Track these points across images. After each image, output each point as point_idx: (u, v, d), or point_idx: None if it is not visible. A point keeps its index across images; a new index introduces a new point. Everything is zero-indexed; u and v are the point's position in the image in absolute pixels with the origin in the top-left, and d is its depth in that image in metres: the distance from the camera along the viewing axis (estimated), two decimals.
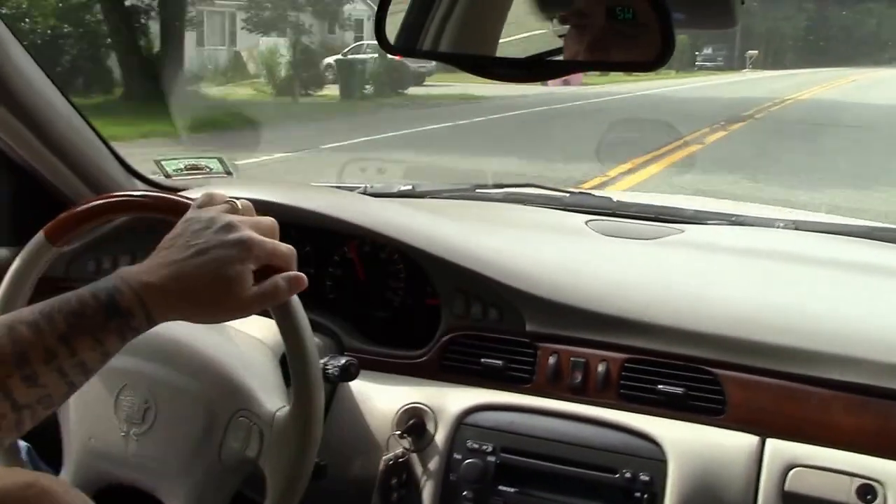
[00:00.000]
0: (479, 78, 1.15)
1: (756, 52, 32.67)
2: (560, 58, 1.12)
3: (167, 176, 2.01)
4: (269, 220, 0.99)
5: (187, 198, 1.06)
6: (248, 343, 1.35)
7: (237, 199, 1.02)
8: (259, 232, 0.96)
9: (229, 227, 0.95)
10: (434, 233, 1.60)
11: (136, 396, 1.26)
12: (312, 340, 1.04)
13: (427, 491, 1.40)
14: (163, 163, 2.04)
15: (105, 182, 1.76)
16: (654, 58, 1.00)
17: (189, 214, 0.98)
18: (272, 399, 1.22)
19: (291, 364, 1.04)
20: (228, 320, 0.97)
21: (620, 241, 1.72)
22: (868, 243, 1.75)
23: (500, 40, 1.17)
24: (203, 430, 1.23)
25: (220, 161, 2.07)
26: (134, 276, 0.91)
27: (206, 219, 0.96)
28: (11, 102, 1.57)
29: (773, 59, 36.75)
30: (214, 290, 0.92)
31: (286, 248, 0.97)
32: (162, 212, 1.09)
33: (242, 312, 0.95)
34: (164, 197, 1.11)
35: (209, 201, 1.00)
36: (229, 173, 2.08)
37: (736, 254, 1.69)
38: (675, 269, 1.61)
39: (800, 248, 1.73)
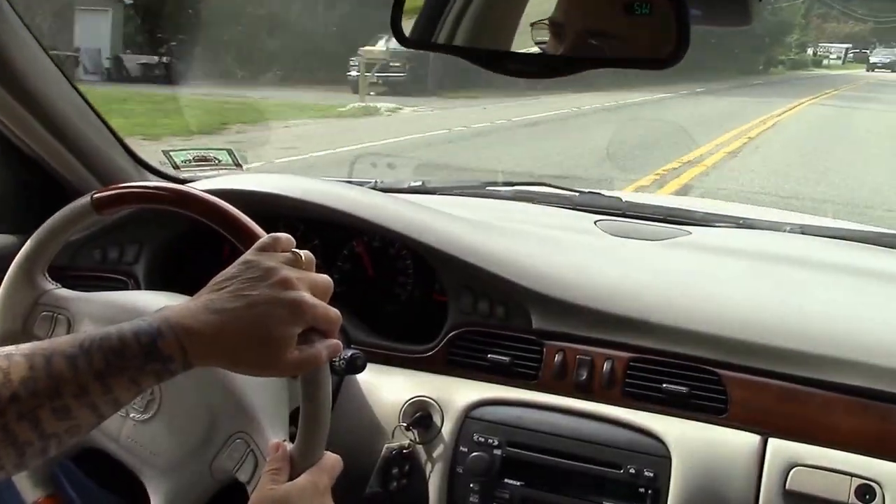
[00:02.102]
0: None
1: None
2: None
3: (175, 167, 2.02)
4: (324, 280, 0.97)
5: (255, 229, 1.05)
6: None
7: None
8: (314, 292, 0.94)
9: (286, 283, 0.92)
10: (442, 229, 1.64)
11: None
12: (328, 403, 1.03)
13: (433, 482, 1.44)
14: (171, 154, 2.05)
15: (114, 173, 1.77)
16: (669, 55, 1.01)
17: (248, 256, 0.96)
18: (275, 430, 1.23)
19: (302, 384, 1.01)
20: (262, 377, 0.96)
21: (628, 242, 1.76)
22: (872, 249, 1.80)
23: (516, 35, 1.16)
24: (199, 440, 1.25)
25: (230, 153, 2.08)
26: (178, 320, 0.90)
27: (264, 268, 0.93)
28: (21, 92, 1.58)
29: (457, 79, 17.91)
30: (257, 347, 0.91)
31: (335, 314, 0.96)
32: (224, 227, 1.08)
33: (278, 373, 0.95)
34: (230, 215, 1.08)
35: (272, 245, 0.97)
36: (239, 165, 2.08)
37: (742, 256, 1.73)
38: (681, 271, 1.65)
39: (806, 253, 1.77)
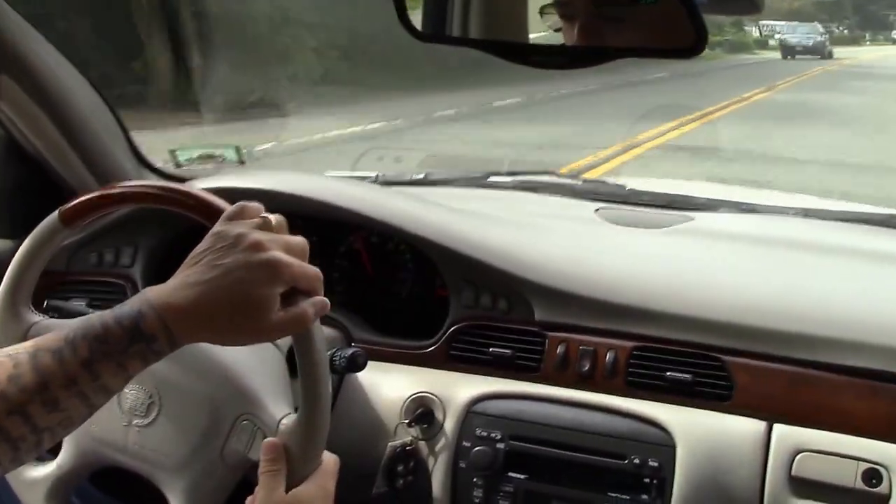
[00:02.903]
0: None
1: None
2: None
3: (178, 166, 2.03)
4: (299, 241, 0.97)
5: (219, 203, 1.05)
6: (257, 346, 1.33)
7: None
8: (289, 252, 0.94)
9: (257, 245, 0.92)
10: (442, 222, 1.63)
11: (140, 390, 1.28)
12: (325, 355, 1.03)
13: (437, 478, 1.45)
14: (176, 152, 2.06)
15: (114, 171, 1.78)
16: (691, 44, 1.01)
17: (217, 228, 0.96)
18: (278, 405, 1.24)
19: (301, 375, 1.03)
20: (253, 343, 0.96)
21: (630, 230, 1.75)
22: (878, 230, 1.79)
23: (531, 25, 1.14)
24: (206, 430, 1.25)
25: (237, 150, 2.08)
26: (158, 299, 0.91)
27: (233, 235, 0.93)
28: (32, 85, 1.60)
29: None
30: (239, 314, 0.91)
31: (314, 270, 0.95)
32: (189, 209, 1.08)
33: (267, 337, 0.95)
34: (193, 194, 1.09)
35: (240, 213, 0.97)
36: (242, 162, 2.08)
37: (746, 241, 1.73)
38: (684, 257, 1.65)
39: (810, 236, 1.76)
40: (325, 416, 1.04)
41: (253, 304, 0.91)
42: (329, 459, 1.05)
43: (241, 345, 0.97)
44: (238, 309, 0.91)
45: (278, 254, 0.92)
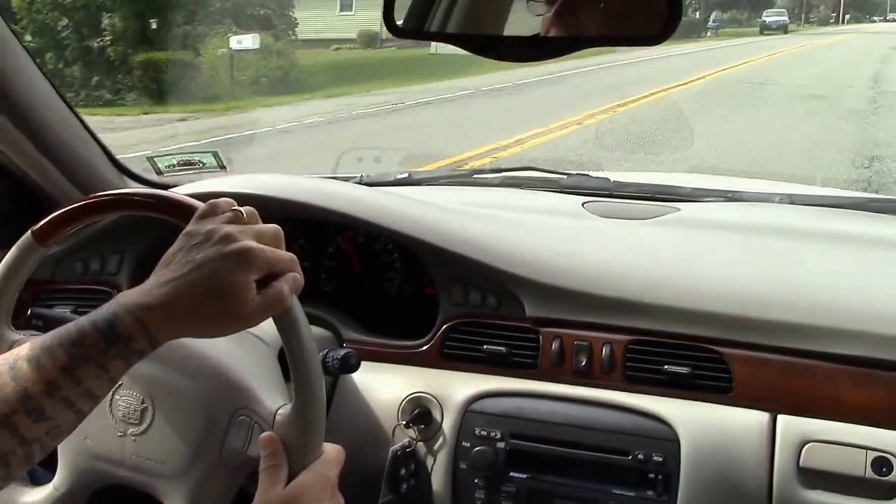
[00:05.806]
0: None
1: None
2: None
3: (159, 173, 2.00)
4: (272, 228, 0.98)
5: (190, 202, 1.04)
6: (245, 341, 1.35)
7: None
8: (262, 240, 0.95)
9: (228, 238, 0.93)
10: (429, 221, 1.61)
11: (132, 397, 1.26)
12: (311, 335, 1.03)
13: (437, 479, 1.42)
14: (155, 159, 2.02)
15: (95, 181, 1.75)
16: (661, 30, 0.99)
17: (189, 227, 0.97)
18: (273, 397, 1.22)
19: (290, 359, 1.02)
20: (235, 332, 0.96)
21: (618, 222, 1.74)
22: (864, 215, 1.78)
23: (508, 18, 1.14)
24: (203, 431, 1.23)
25: (215, 155, 2.06)
26: (132, 300, 0.91)
27: (205, 231, 0.95)
28: (2, 100, 1.55)
29: None
30: (215, 304, 0.91)
31: (287, 255, 0.96)
32: (161, 212, 1.07)
33: (247, 324, 0.95)
34: (164, 196, 1.08)
35: (211, 211, 0.98)
36: (224, 167, 2.06)
37: (734, 230, 1.72)
38: (674, 248, 1.64)
39: (797, 223, 1.75)
40: (321, 398, 1.03)
41: (228, 293, 0.91)
42: (332, 448, 1.05)
43: (223, 335, 0.97)
44: (214, 300, 0.91)
45: (249, 242, 0.93)
